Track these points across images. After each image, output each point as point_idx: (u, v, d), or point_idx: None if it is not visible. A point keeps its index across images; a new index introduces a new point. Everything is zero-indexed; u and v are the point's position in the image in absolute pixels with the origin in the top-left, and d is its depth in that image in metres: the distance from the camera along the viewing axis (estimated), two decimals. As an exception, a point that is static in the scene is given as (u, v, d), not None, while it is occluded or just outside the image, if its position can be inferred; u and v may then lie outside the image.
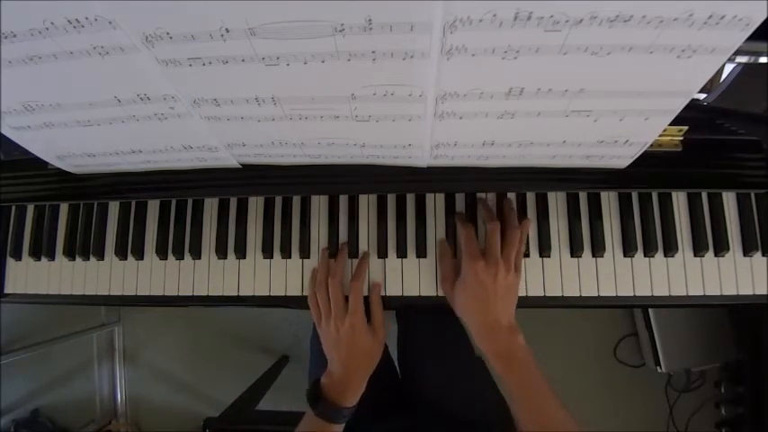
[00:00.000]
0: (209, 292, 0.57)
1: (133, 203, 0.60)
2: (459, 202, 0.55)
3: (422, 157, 0.48)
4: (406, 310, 0.73)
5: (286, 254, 0.57)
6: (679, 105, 0.37)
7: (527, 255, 0.54)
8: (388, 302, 0.55)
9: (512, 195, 0.55)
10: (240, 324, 1.45)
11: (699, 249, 0.52)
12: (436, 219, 0.55)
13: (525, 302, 0.52)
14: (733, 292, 0.51)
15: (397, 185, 0.54)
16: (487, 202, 0.55)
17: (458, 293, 0.50)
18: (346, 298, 0.53)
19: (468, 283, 0.49)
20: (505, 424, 0.70)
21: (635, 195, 0.54)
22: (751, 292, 0.51)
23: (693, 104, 0.39)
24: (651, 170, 0.49)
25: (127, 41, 0.33)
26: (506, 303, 0.49)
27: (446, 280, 0.53)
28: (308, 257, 0.56)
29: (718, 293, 0.51)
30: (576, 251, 0.53)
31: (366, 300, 0.54)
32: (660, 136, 0.46)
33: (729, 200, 0.53)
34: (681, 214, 0.53)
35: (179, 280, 0.58)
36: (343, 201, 0.57)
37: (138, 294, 0.59)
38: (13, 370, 1.42)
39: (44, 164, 0.53)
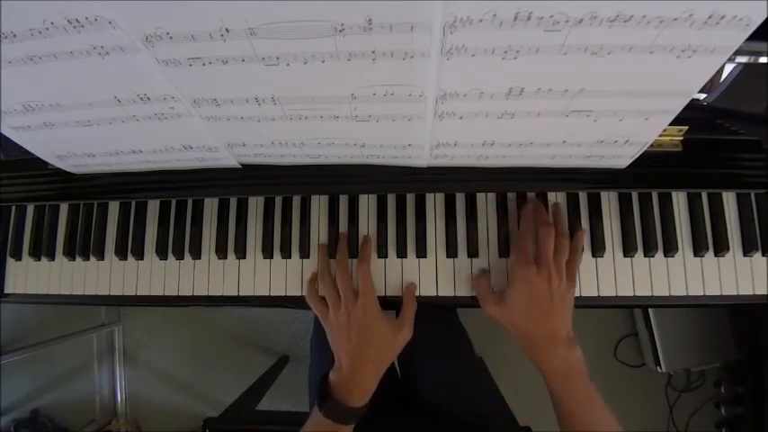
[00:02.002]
0: (209, 292, 0.57)
1: (133, 203, 0.60)
2: (460, 202, 0.55)
3: (422, 157, 0.48)
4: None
5: (286, 254, 0.56)
6: (679, 105, 0.37)
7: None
8: (391, 303, 0.54)
9: (512, 195, 0.55)
10: (240, 324, 1.45)
11: (699, 249, 0.52)
12: (436, 219, 0.55)
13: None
14: (733, 292, 0.51)
15: (397, 185, 0.54)
16: (540, 204, 0.51)
17: (509, 304, 0.47)
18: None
19: (521, 290, 0.46)
20: (505, 425, 0.70)
21: (635, 195, 0.54)
22: (751, 292, 0.51)
23: (693, 104, 0.39)
24: (651, 170, 0.49)
25: (127, 41, 0.33)
26: (563, 313, 0.46)
27: (486, 299, 0.49)
28: (308, 257, 0.56)
29: (718, 293, 0.51)
30: (576, 251, 0.53)
31: (397, 298, 0.53)
32: (660, 136, 0.46)
33: (729, 200, 0.53)
34: (681, 214, 0.53)
35: (179, 280, 0.58)
36: (343, 201, 0.57)
37: (138, 294, 0.58)
38: (13, 370, 1.41)
39: (44, 164, 0.53)
